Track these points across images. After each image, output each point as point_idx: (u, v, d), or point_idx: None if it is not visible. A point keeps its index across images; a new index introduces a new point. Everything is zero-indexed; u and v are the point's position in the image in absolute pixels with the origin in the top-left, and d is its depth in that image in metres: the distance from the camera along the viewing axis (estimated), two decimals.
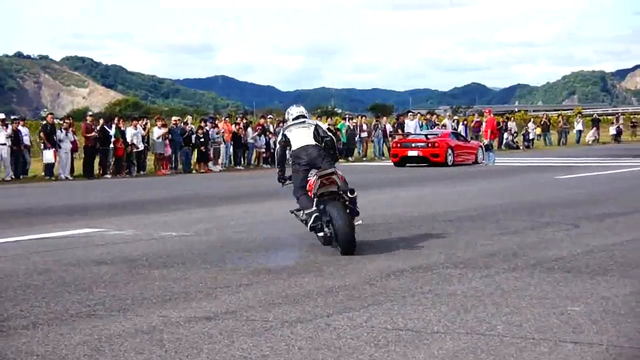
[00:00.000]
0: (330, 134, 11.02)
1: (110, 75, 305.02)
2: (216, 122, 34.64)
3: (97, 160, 29.27)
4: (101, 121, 30.09)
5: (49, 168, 27.82)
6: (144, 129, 31.07)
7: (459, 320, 6.48)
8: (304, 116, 11.08)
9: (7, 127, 26.98)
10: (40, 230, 12.59)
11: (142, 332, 6.18)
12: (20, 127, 27.71)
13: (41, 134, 28.11)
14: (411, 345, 5.80)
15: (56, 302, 7.28)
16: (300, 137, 10.71)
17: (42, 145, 28.03)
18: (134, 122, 31.07)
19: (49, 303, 7.24)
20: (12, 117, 31.72)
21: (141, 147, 30.35)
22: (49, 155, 27.66)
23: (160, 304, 7.20)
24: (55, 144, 27.75)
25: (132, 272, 8.86)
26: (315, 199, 10.17)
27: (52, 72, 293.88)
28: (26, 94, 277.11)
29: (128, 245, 11.05)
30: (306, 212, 10.27)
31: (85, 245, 10.98)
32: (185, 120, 33.49)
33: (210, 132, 32.25)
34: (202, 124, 33.01)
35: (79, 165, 29.05)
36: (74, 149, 28.81)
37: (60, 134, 28.15)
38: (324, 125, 12.50)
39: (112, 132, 29.22)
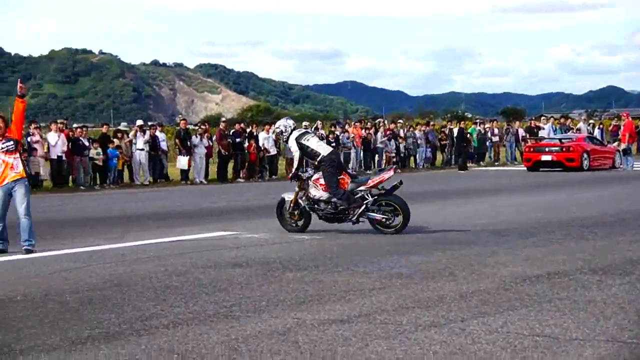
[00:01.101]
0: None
1: (242, 82, 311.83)
2: (346, 127, 34.85)
3: (230, 165, 29.96)
4: (237, 126, 30.83)
5: (183, 173, 28.69)
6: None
7: (598, 327, 6.29)
8: (299, 128, 13.64)
9: (144, 133, 27.94)
10: (178, 233, 12.99)
11: (278, 334, 6.29)
12: (157, 133, 28.63)
13: (176, 140, 29.00)
14: (549, 351, 5.67)
15: (194, 302, 7.50)
16: (322, 144, 13.10)
17: (178, 150, 28.89)
18: (266, 127, 31.61)
19: (187, 303, 7.46)
20: (150, 124, 32.84)
21: (273, 151, 30.87)
22: (183, 162, 28.50)
23: (294, 306, 7.31)
24: (189, 150, 28.59)
25: (267, 274, 9.02)
26: (367, 192, 12.51)
27: (187, 80, 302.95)
28: (162, 101, 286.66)
29: (262, 248, 11.27)
30: (354, 204, 12.40)
31: (220, 248, 11.26)
32: (315, 125, 33.84)
33: (340, 137, 32.47)
34: (332, 129, 33.28)
35: (213, 169, 29.79)
36: (209, 154, 29.56)
37: (195, 140, 28.97)
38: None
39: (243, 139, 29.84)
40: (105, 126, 30.54)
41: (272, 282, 8.51)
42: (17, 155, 11.07)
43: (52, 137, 25.20)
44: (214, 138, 30.14)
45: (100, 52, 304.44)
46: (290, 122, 13.34)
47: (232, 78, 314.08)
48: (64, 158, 25.45)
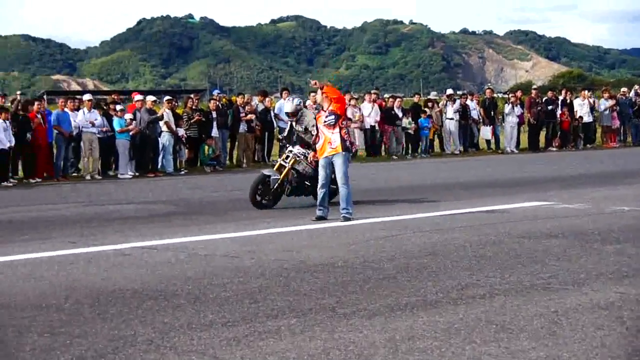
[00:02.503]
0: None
1: (553, 48, 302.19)
2: None
3: (542, 134, 29.24)
4: (550, 93, 30.02)
5: (489, 143, 28.50)
6: (591, 101, 30.33)
7: None
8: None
9: (454, 102, 28.02)
10: (489, 203, 12.90)
11: (600, 308, 6.05)
12: (468, 102, 28.58)
13: (480, 110, 28.71)
14: None
15: (510, 273, 7.41)
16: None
17: (481, 120, 28.59)
18: (581, 93, 30.45)
19: (503, 274, 7.39)
20: (459, 92, 32.89)
21: (588, 119, 29.68)
22: (486, 132, 28.30)
23: (616, 280, 6.98)
24: (492, 120, 28.28)
25: (585, 246, 8.71)
26: None
27: (496, 47, 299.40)
28: (471, 69, 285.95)
29: (578, 219, 10.89)
30: None
31: (534, 219, 11.02)
32: (634, 91, 31.97)
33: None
34: None
35: (524, 138, 29.24)
36: (521, 122, 29.03)
37: (506, 108, 28.61)
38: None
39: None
40: (416, 96, 31.05)
41: (590, 255, 8.20)
42: (337, 130, 11.48)
43: (366, 107, 26.06)
44: (525, 106, 29.54)
45: (411, 22, 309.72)
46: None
47: (543, 44, 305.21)
48: (377, 128, 26.23)
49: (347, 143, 11.52)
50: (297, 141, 13.26)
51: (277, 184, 12.84)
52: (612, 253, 8.23)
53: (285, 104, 13.14)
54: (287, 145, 13.33)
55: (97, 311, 6.27)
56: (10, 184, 18.88)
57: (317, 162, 12.16)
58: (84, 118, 20.75)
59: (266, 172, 13.10)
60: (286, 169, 12.91)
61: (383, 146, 26.80)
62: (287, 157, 13.03)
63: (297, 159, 12.95)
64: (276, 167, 13.22)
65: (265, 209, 12.72)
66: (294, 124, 13.47)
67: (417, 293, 6.70)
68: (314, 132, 12.22)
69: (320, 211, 11.46)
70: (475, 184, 16.65)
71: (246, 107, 23.84)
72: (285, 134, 13.78)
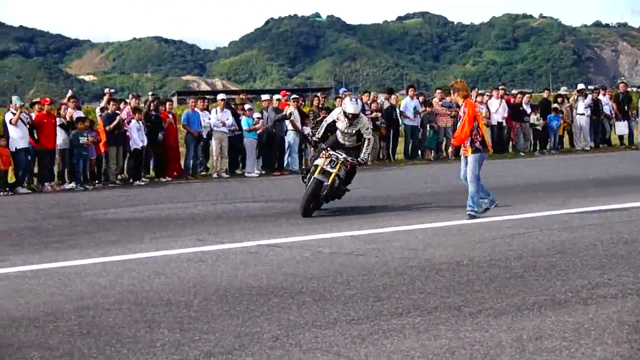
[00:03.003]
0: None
1: None
2: None
3: None
4: None
5: (621, 139, 27.62)
6: None
7: None
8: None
9: (586, 96, 27.28)
10: (622, 200, 12.47)
11: None
12: (600, 97, 27.75)
13: (613, 104, 27.75)
14: None
15: None
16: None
17: (615, 115, 27.69)
18: None
19: (636, 273, 7.14)
20: (591, 87, 31.96)
21: None
22: (620, 127, 27.41)
23: None
24: (626, 114, 27.38)
25: None
26: None
27: (630, 40, 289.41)
28: (603, 62, 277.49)
29: None
30: None
31: None
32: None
33: None
34: None
35: None
36: None
37: None
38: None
39: None
40: (545, 91, 30.37)
41: None
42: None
43: (494, 103, 25.67)
44: None
45: (541, 16, 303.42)
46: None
47: None
48: (504, 124, 25.80)
49: (477, 144, 11.38)
50: (332, 144, 12.62)
51: (326, 190, 12.27)
52: None
53: (347, 105, 12.52)
54: (324, 147, 12.53)
55: (225, 308, 6.41)
56: (143, 183, 19.55)
57: (352, 166, 12.52)
58: (216, 117, 21.26)
59: (319, 177, 12.26)
60: (333, 174, 12.25)
61: (510, 143, 26.34)
62: (332, 160, 12.27)
63: (344, 163, 12.36)
64: (318, 170, 12.33)
65: (309, 216, 12.09)
66: (342, 125, 12.64)
67: (545, 292, 6.56)
68: (368, 137, 12.62)
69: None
70: (606, 181, 16.14)
71: (372, 105, 23.87)
72: (320, 135, 12.87)
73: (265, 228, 10.93)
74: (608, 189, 14.45)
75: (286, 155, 22.29)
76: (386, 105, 24.59)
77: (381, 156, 24.28)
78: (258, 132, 21.50)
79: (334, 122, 12.77)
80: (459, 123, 11.60)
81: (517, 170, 20.09)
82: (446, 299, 6.46)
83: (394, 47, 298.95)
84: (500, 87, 27.81)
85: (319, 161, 12.41)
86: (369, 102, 23.93)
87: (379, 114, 23.71)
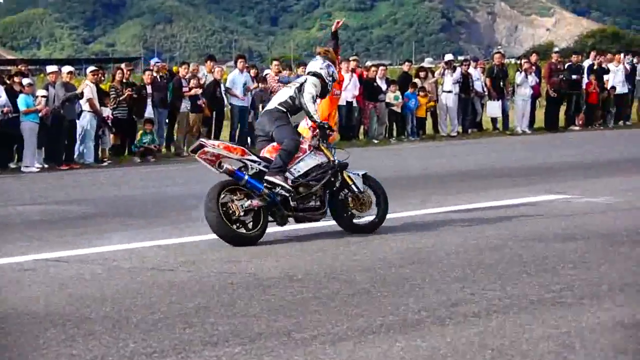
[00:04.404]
0: (308, 92, 10.61)
1: (582, 0, 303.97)
2: None
3: (562, 109, 29.44)
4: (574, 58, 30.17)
5: (496, 122, 28.63)
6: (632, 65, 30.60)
7: None
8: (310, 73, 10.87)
9: (454, 70, 27.93)
10: (493, 197, 13.01)
11: (624, 327, 6.12)
12: (471, 70, 28.48)
13: (486, 79, 28.71)
14: None
15: (513, 285, 7.47)
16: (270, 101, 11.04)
17: (487, 93, 28.65)
18: (615, 56, 30.71)
19: (504, 286, 7.44)
20: (461, 58, 32.98)
21: (622, 90, 29.91)
22: (493, 108, 28.35)
23: None
24: (502, 92, 28.36)
25: (609, 250, 8.81)
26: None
27: (510, 0, 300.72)
28: (477, 28, 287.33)
29: (603, 216, 11.03)
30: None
31: (546, 216, 11.17)
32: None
33: None
34: None
35: (540, 115, 29.41)
36: (535, 95, 29.15)
37: (518, 77, 28.68)
38: (311, 82, 10.88)
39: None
40: (406, 63, 31.06)
41: (615, 261, 8.30)
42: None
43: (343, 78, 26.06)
44: (542, 74, 29.69)
45: None
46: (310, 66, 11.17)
47: None
48: (354, 104, 26.22)
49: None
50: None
51: None
52: None
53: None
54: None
55: None
56: None
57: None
58: None
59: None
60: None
61: (362, 127, 26.79)
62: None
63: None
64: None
65: None
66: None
67: (396, 311, 6.74)
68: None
69: None
70: (475, 174, 16.73)
71: (191, 81, 23.78)
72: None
73: (46, 238, 10.72)
74: (476, 184, 14.99)
75: (77, 144, 21.87)
76: (209, 79, 24.55)
77: None
78: (41, 114, 20.99)
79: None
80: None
81: (369, 162, 20.48)
82: (274, 322, 6.53)
83: (221, 7, 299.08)
84: (351, 58, 28.19)
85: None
86: (186, 76, 23.82)
87: (199, 91, 23.64)
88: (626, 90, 30.16)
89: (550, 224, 10.49)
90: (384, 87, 26.50)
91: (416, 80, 27.58)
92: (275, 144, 10.50)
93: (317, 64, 10.88)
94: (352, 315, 6.67)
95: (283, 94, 10.89)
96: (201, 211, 9.63)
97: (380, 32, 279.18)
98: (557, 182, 14.72)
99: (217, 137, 24.50)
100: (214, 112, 24.54)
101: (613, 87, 29.65)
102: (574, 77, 28.95)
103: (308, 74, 10.93)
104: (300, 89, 10.76)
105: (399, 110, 26.56)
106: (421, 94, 26.87)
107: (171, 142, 24.38)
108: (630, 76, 30.35)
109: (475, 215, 11.38)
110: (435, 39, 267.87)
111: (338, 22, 12.14)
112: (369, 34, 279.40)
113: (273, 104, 10.88)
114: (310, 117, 10.69)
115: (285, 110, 10.70)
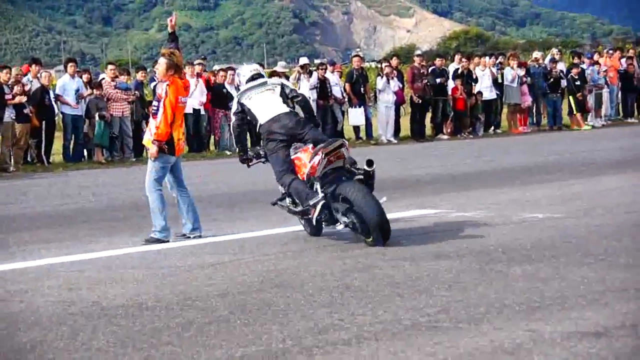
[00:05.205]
0: (299, 92, 11.50)
1: (443, 0, 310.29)
2: (595, 57, 34.14)
3: (428, 116, 29.95)
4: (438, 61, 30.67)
5: (359, 130, 28.92)
6: (498, 69, 31.31)
7: None
8: (261, 75, 11.54)
9: (310, 74, 28.16)
10: None
11: (504, 352, 6.23)
12: (328, 75, 28.77)
13: (345, 85, 29.02)
14: None
15: (384, 308, 7.53)
16: (266, 104, 11.27)
17: (347, 99, 28.96)
18: (481, 60, 31.40)
19: (375, 310, 7.51)
20: (318, 62, 33.25)
21: (490, 95, 30.61)
22: (356, 115, 28.64)
23: (525, 313, 7.21)
24: (363, 98, 28.71)
25: (485, 268, 8.96)
26: (317, 182, 10.60)
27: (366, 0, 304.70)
28: (333, 29, 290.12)
29: (477, 230, 11.22)
30: (310, 202, 10.47)
31: (416, 233, 11.31)
32: (551, 56, 33.28)
33: (587, 72, 31.81)
34: (576, 60, 32.65)
35: (405, 123, 29.85)
36: (399, 101, 29.55)
37: (379, 82, 29.04)
38: (289, 83, 12.32)
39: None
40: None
41: (492, 280, 8.44)
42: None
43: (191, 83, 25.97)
44: (405, 79, 30.17)
45: None
46: (246, 69, 11.97)
47: None
48: (202, 112, 26.16)
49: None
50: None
51: None
52: (521, 277, 8.49)
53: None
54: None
55: None
56: None
57: None
58: None
59: None
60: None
61: (212, 138, 26.74)
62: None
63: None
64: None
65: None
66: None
67: (258, 341, 6.73)
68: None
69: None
70: None
71: (14, 87, 23.32)
72: None
73: None
74: None
75: None
76: (35, 86, 24.12)
77: (29, 158, 23.80)
78: None
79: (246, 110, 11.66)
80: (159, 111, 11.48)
81: (221, 176, 20.48)
82: (122, 357, 6.45)
83: (45, 5, 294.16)
84: (196, 62, 28.14)
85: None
86: (9, 82, 23.34)
87: (24, 99, 23.21)
88: (494, 96, 30.83)
89: (421, 241, 10.61)
90: (234, 93, 26.44)
91: None
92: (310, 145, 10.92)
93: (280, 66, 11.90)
94: (210, 346, 6.64)
95: (277, 100, 11.35)
96: (33, 234, 9.42)
97: (227, 33, 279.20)
98: (426, 195, 14.98)
99: (47, 151, 24.11)
100: (44, 122, 24.11)
101: (480, 93, 30.30)
102: (438, 81, 29.46)
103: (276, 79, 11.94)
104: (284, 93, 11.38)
105: None
106: None
107: None
108: (496, 81, 31.01)
109: (340, 234, 11.42)
110: (288, 41, 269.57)
111: (171, 19, 12.04)
112: (215, 35, 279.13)
113: (281, 108, 11.23)
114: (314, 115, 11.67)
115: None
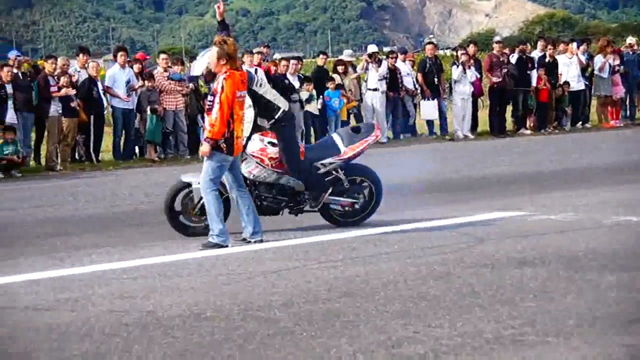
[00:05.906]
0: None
1: None
2: None
3: (509, 109, 29.70)
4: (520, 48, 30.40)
5: (433, 125, 28.75)
6: (587, 57, 30.98)
7: None
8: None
9: (380, 63, 28.04)
10: (432, 215, 13.09)
11: None
12: (399, 64, 28.65)
13: (418, 75, 28.82)
14: None
15: (464, 320, 7.52)
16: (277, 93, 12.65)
17: (420, 91, 28.76)
18: (568, 46, 31.06)
19: (453, 322, 7.49)
20: (387, 50, 33.11)
21: (578, 86, 30.27)
22: (428, 109, 28.42)
23: (620, 326, 7.17)
24: (437, 90, 28.48)
25: (574, 276, 8.91)
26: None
27: None
28: (405, 14, 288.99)
29: (563, 236, 11.17)
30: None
31: (497, 237, 11.27)
32: None
33: None
34: None
35: (483, 116, 29.64)
36: (477, 93, 29.33)
37: (454, 71, 28.78)
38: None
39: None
40: (321, 56, 31.11)
41: (583, 289, 8.40)
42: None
43: None
44: (483, 68, 29.96)
45: None
46: None
47: None
48: None
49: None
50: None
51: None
52: (614, 286, 8.43)
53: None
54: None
55: None
56: None
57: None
58: None
59: (186, 177, 12.49)
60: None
61: None
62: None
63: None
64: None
65: (194, 235, 12.20)
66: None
67: (326, 355, 6.75)
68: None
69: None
70: (410, 188, 16.78)
71: (61, 78, 23.51)
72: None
73: None
74: (413, 200, 15.06)
75: None
76: (82, 77, 24.29)
77: (77, 156, 24.00)
78: None
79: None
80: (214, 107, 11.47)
81: None
82: None
83: None
84: (255, 51, 28.17)
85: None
86: (54, 73, 23.52)
87: (72, 91, 23.39)
88: (582, 87, 30.39)
89: (503, 247, 10.58)
90: (296, 84, 26.47)
91: (334, 75, 27.57)
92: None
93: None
94: None
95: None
96: (82, 237, 9.49)
97: (288, 18, 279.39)
98: (508, 196, 14.90)
99: (96, 148, 24.28)
100: (92, 116, 24.25)
101: (567, 83, 29.92)
102: (520, 70, 29.04)
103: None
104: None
105: (315, 112, 26.49)
106: (340, 92, 26.85)
107: (40, 154, 24.10)
108: (585, 70, 30.64)
109: (413, 237, 11.44)
110: (355, 27, 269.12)
111: (219, 6, 12.05)
112: (275, 21, 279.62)
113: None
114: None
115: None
